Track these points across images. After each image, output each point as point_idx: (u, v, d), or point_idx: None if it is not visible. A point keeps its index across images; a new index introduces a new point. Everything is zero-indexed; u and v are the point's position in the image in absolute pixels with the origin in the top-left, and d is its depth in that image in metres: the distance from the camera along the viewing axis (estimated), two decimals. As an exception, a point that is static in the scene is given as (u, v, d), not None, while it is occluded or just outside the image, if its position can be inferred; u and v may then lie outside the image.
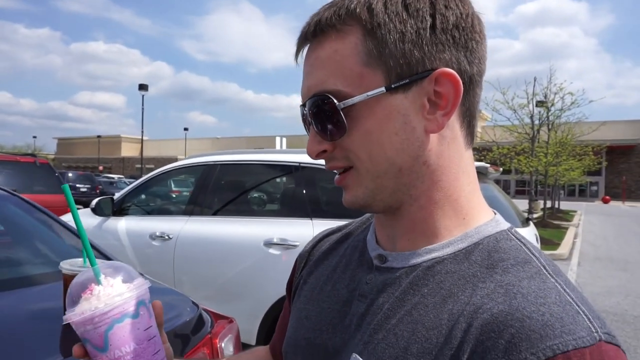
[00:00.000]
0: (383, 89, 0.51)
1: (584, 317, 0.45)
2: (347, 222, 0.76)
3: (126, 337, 0.54)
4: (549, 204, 20.36)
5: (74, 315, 0.53)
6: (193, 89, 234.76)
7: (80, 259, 1.30)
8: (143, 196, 4.42)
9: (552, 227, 14.44)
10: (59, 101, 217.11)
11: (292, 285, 0.75)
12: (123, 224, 3.95)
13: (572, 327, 0.43)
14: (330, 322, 0.61)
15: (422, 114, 0.52)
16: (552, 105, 15.45)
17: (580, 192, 40.88)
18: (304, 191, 3.33)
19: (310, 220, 3.15)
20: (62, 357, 1.11)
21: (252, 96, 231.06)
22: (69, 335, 1.28)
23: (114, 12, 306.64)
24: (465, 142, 0.56)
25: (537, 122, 15.37)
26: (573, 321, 0.44)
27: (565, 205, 27.07)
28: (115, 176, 32.56)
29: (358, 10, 0.52)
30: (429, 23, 0.51)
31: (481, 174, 3.69)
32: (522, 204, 13.06)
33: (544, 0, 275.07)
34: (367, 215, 0.71)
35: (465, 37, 0.53)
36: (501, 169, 4.70)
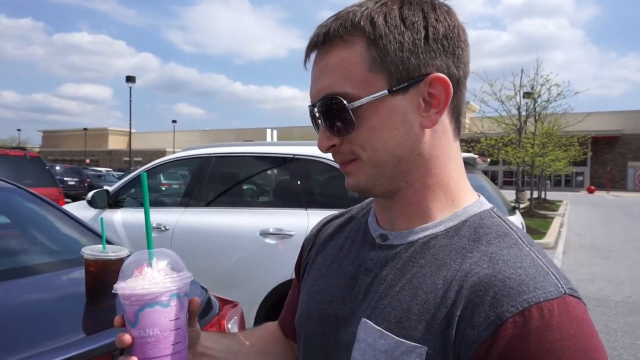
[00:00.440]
0: (386, 91, 0.60)
1: (553, 276, 0.55)
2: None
3: (153, 321, 0.60)
4: (535, 194, 20.67)
5: (120, 289, 0.61)
6: (180, 80, 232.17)
7: (99, 246, 1.39)
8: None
9: (538, 217, 14.68)
10: (42, 93, 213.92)
11: (301, 266, 0.84)
12: (119, 216, 4.00)
13: (543, 284, 0.53)
14: (339, 294, 0.69)
15: (418, 112, 0.61)
16: (539, 96, 15.63)
17: (566, 183, 41.52)
18: (299, 182, 3.41)
19: (305, 211, 3.22)
20: (85, 334, 1.20)
21: (240, 88, 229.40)
22: (91, 314, 1.37)
23: (97, 2, 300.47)
24: (454, 135, 0.66)
25: (524, 113, 15.50)
26: (544, 280, 0.54)
27: (551, 195, 27.38)
28: (103, 169, 32.28)
29: (362, 23, 0.60)
30: (422, 34, 0.60)
31: (469, 164, 3.80)
32: (510, 194, 13.26)
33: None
34: (367, 200, 0.80)
35: (453, 45, 0.62)
36: (489, 160, 4.81)
